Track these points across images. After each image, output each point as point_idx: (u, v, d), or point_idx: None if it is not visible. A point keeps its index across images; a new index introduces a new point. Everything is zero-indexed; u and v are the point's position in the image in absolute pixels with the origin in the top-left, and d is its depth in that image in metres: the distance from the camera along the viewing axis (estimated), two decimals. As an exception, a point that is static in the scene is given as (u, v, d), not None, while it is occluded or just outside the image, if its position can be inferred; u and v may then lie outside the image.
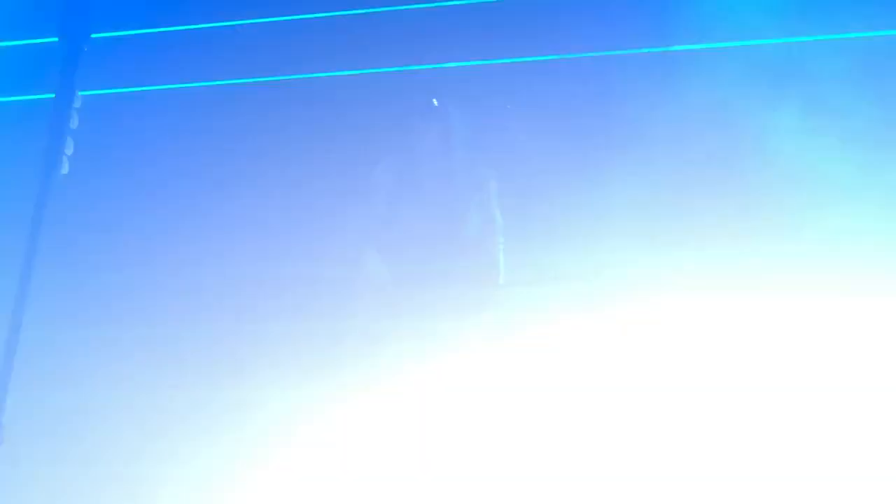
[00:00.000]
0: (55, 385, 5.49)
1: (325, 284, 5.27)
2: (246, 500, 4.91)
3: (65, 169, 3.46)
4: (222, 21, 5.75)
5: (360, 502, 5.05)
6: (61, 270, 5.08)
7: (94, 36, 3.61)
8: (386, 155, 5.05)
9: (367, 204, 5.02)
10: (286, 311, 5.37)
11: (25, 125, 5.11)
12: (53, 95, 3.52)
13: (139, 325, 5.38)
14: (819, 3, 5.36)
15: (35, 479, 5.52)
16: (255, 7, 5.64)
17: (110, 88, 5.37)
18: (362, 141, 5.30)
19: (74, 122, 3.50)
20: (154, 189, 5.50)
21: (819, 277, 5.13)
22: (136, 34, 5.45)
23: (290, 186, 5.34)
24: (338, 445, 5.05)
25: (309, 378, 4.97)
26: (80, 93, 3.57)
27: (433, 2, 5.44)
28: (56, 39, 3.53)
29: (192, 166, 5.51)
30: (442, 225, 5.32)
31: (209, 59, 5.61)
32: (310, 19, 5.67)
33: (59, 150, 3.47)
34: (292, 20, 5.77)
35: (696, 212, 5.16)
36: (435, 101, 4.77)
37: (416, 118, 4.89)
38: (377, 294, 5.01)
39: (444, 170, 4.93)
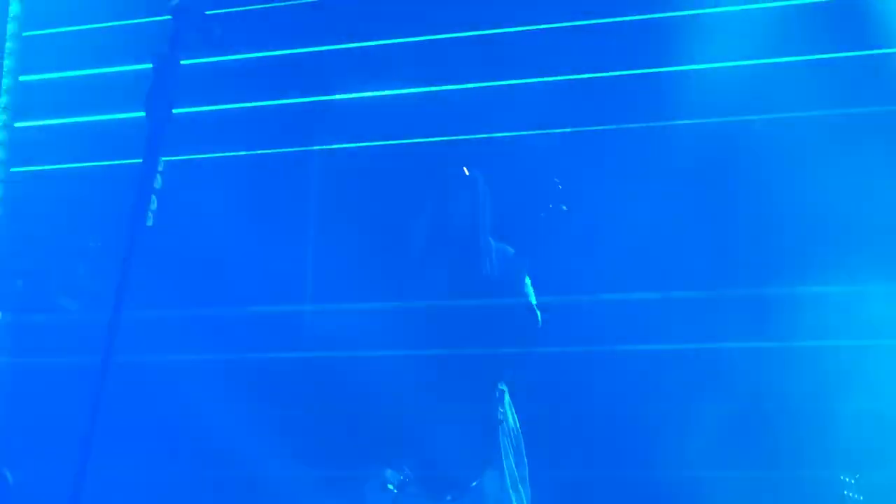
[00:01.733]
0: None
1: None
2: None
3: (150, 222, 3.62)
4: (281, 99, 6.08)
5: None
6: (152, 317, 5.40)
7: (175, 112, 3.73)
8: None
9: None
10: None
11: (116, 186, 5.60)
12: (140, 160, 3.68)
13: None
14: None
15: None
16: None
17: (189, 155, 5.74)
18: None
19: (158, 183, 3.65)
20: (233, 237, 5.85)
21: None
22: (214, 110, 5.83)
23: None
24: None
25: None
26: (162, 158, 3.70)
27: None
28: (143, 114, 3.68)
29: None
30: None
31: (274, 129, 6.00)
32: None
33: (145, 207, 3.61)
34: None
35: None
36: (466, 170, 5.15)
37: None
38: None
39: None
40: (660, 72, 5.68)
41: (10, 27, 6.23)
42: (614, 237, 5.66)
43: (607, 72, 5.71)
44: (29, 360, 6.37)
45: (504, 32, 5.84)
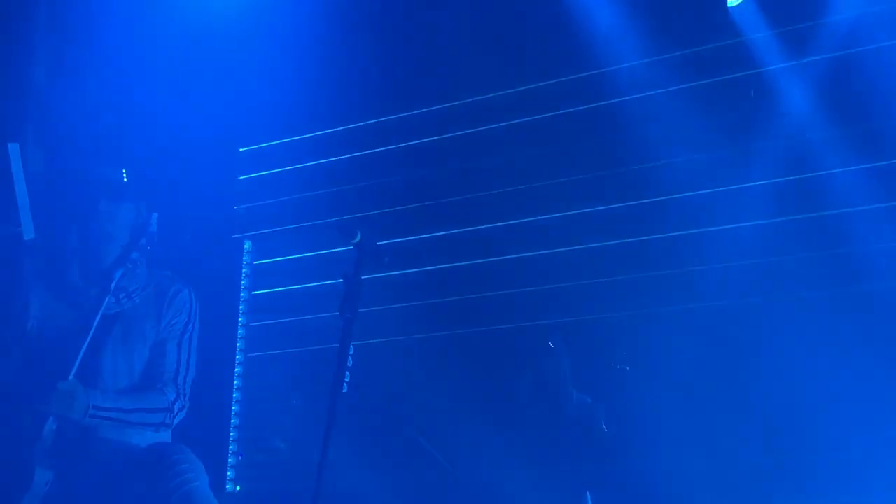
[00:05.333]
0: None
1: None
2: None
3: (345, 389, 3.72)
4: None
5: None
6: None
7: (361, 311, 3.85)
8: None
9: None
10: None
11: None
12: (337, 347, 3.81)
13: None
14: None
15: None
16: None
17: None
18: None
19: (350, 362, 3.78)
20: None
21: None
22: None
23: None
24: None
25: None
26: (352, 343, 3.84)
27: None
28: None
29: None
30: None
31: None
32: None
33: (342, 383, 3.72)
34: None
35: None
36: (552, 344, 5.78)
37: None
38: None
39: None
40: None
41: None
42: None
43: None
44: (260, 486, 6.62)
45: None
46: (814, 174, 5.66)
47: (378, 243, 3.97)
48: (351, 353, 3.80)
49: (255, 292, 6.95)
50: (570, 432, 5.67)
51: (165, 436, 4.41)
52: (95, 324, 4.10)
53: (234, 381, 6.71)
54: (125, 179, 4.28)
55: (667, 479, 5.63)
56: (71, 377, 3.97)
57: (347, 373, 3.80)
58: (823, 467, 5.33)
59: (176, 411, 4.28)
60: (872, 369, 5.27)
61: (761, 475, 5.57)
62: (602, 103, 6.11)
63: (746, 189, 5.85)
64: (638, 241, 6.02)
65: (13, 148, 5.36)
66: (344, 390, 3.73)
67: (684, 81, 5.93)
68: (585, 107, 6.19)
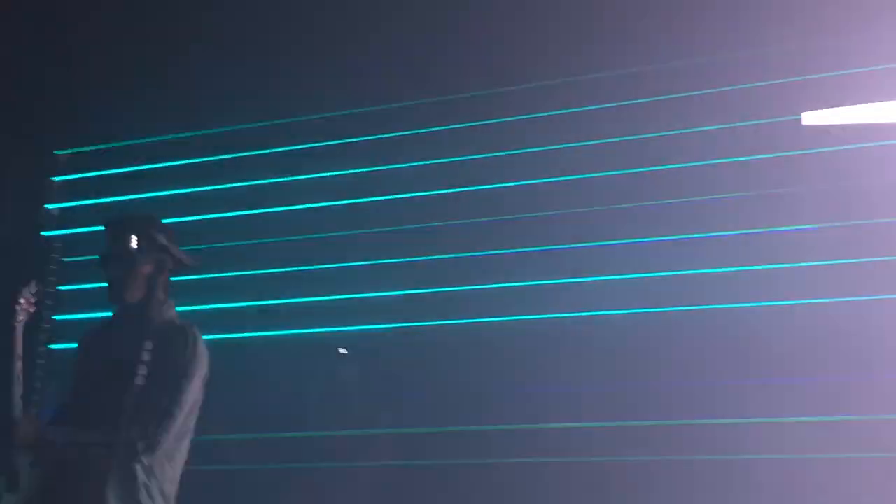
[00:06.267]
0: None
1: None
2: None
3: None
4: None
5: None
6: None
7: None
8: None
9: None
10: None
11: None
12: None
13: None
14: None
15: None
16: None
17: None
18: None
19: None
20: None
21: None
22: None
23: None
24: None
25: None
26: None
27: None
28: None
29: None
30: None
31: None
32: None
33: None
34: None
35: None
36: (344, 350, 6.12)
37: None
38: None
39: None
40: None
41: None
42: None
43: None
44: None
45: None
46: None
47: (182, 248, 4.19)
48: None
49: (62, 288, 7.08)
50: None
51: (141, 471, 4.11)
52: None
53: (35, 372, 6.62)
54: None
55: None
56: (15, 412, 3.85)
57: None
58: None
59: (140, 451, 3.99)
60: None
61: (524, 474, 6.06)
62: (381, 136, 6.61)
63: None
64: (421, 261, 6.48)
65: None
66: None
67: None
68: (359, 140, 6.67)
